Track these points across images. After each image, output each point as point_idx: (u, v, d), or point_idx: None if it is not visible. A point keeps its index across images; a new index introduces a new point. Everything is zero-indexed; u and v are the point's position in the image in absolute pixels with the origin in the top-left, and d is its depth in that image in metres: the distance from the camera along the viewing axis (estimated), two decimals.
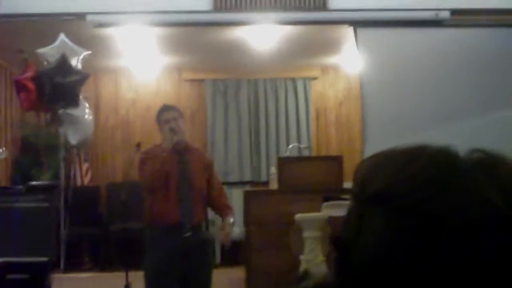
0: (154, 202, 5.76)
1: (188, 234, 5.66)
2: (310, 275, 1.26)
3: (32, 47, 9.24)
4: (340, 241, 1.07)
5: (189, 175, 5.82)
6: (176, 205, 5.69)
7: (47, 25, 8.64)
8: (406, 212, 1.00)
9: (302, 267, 7.66)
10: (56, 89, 8.42)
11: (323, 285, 1.18)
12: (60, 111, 8.70)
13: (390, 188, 1.02)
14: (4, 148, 7.10)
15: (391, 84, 8.39)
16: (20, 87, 8.68)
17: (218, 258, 10.60)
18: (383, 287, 1.01)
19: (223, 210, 6.10)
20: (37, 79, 8.51)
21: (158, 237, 5.71)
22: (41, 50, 8.62)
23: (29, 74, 8.69)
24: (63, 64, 8.47)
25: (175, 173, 5.75)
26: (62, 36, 8.67)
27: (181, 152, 5.83)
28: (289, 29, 9.23)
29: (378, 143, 7.50)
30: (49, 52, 8.64)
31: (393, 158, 1.08)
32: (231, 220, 6.12)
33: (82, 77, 8.70)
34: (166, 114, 5.88)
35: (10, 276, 7.12)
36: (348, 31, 8.78)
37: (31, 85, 8.50)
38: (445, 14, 8.48)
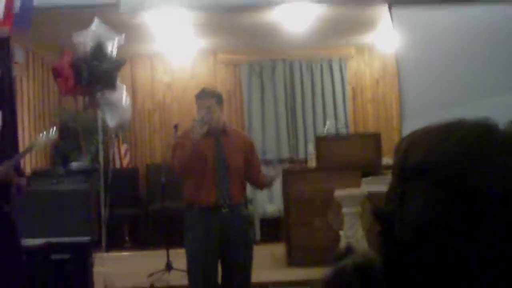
0: (192, 184, 5.80)
1: (226, 213, 5.70)
2: (353, 251, 1.27)
3: (67, 35, 9.32)
4: (383, 215, 1.09)
5: (225, 157, 5.83)
6: (213, 187, 5.73)
7: (82, 13, 8.70)
8: (444, 184, 1.02)
9: (342, 243, 7.70)
10: (93, 74, 8.48)
11: (365, 261, 1.21)
12: (98, 95, 8.76)
13: (429, 161, 1.04)
14: (54, 129, 7.16)
15: (427, 61, 8.35)
16: (57, 73, 8.75)
17: (258, 234, 10.67)
18: (427, 258, 1.03)
19: (260, 184, 6.13)
20: (74, 64, 8.56)
21: (197, 217, 5.75)
22: (76, 36, 8.68)
23: (66, 60, 8.76)
24: (99, 49, 8.52)
25: (211, 157, 5.77)
26: (97, 21, 8.72)
27: (216, 136, 5.85)
28: (323, 8, 9.20)
29: (415, 120, 7.51)
30: (84, 38, 8.70)
31: (431, 133, 1.10)
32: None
33: (119, 61, 8.75)
34: (200, 102, 5.86)
35: (53, 256, 7.22)
36: (383, 9, 8.74)
37: (68, 71, 8.55)
38: None
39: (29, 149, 7.05)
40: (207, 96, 5.90)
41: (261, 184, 6.16)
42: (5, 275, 6.06)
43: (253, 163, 6.01)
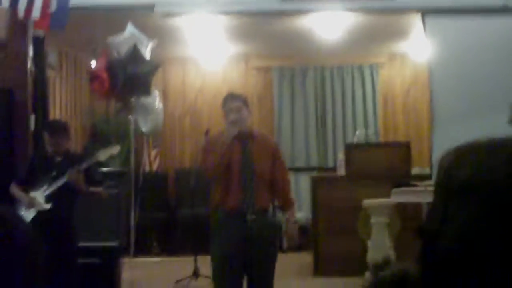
0: (218, 188, 5.78)
1: (251, 218, 5.68)
2: (390, 262, 1.30)
3: (100, 37, 9.38)
4: (426, 230, 1.11)
5: (252, 162, 5.81)
6: (238, 192, 5.71)
7: (115, 15, 8.76)
8: (488, 202, 1.03)
9: (370, 253, 7.68)
10: (129, 79, 8.54)
11: (403, 273, 1.22)
12: (133, 100, 8.81)
13: (475, 179, 1.06)
14: (117, 144, 7.27)
15: (459, 70, 8.31)
16: (93, 76, 8.82)
17: (285, 243, 10.65)
18: (467, 274, 1.04)
19: (285, 203, 6.07)
20: (110, 68, 8.63)
21: (222, 222, 5.74)
22: (111, 40, 8.74)
23: (102, 63, 8.82)
24: (135, 54, 8.58)
25: (237, 161, 5.75)
26: (130, 26, 8.77)
27: (244, 140, 5.84)
28: (355, 16, 9.19)
29: (446, 130, 7.49)
30: (118, 42, 8.76)
31: (476, 150, 1.11)
32: (294, 218, 6.15)
33: (154, 66, 8.80)
34: (229, 104, 5.85)
35: (82, 261, 7.25)
36: (415, 18, 8.72)
37: (104, 75, 8.62)
38: None
39: (92, 160, 7.02)
40: (235, 99, 5.90)
41: (285, 195, 6.09)
42: (59, 281, 6.11)
43: (278, 166, 5.98)
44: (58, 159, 6.62)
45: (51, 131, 6.70)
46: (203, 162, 5.85)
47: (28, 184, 6.56)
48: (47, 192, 6.44)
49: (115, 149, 7.27)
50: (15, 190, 6.58)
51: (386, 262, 1.33)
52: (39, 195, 6.43)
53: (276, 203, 6.07)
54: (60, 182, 6.39)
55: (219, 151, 5.64)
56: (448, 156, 1.14)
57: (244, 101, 5.92)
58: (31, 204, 6.41)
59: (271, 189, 5.94)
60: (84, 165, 6.61)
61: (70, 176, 6.36)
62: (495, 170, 1.05)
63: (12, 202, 6.46)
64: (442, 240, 1.07)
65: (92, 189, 6.59)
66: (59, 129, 6.77)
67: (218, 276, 5.80)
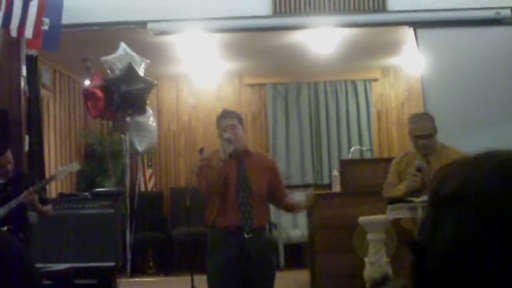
0: (214, 206, 5.77)
1: (248, 236, 5.67)
2: (389, 279, 1.29)
3: (93, 55, 9.39)
4: (416, 244, 1.10)
5: (248, 180, 5.80)
6: (235, 210, 5.69)
7: (108, 33, 8.76)
8: (476, 212, 1.02)
9: (367, 270, 7.65)
10: (124, 97, 8.53)
11: None
12: (128, 119, 8.80)
13: (463, 189, 1.05)
14: (77, 162, 7.25)
15: (453, 83, 8.33)
16: (88, 95, 8.81)
17: (282, 261, 10.63)
18: (457, 286, 1.03)
19: (288, 204, 6.07)
20: (106, 87, 8.62)
21: (218, 240, 5.73)
22: (104, 59, 8.74)
23: (97, 82, 8.82)
24: (130, 72, 8.57)
25: (233, 179, 5.74)
26: (123, 45, 8.77)
27: (239, 158, 5.83)
28: (348, 31, 9.21)
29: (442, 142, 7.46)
30: (112, 61, 8.76)
31: (466, 162, 1.11)
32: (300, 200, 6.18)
33: (149, 85, 8.80)
34: (224, 121, 5.85)
35: (78, 281, 7.23)
36: (408, 32, 8.74)
37: (99, 93, 8.61)
38: (506, 13, 8.38)
39: (50, 179, 7.12)
40: (229, 116, 5.91)
41: (289, 205, 6.08)
42: None
43: (276, 182, 5.97)
44: (1, 181, 6.58)
45: None
46: (198, 178, 5.82)
47: None
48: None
49: (75, 167, 7.29)
50: None
51: (384, 278, 1.33)
52: None
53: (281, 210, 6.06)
54: (13, 204, 6.36)
55: (215, 169, 5.62)
56: (441, 170, 1.15)
57: (239, 118, 5.93)
58: None
59: (267, 207, 5.93)
60: (42, 184, 6.64)
61: (26, 196, 6.35)
62: (482, 181, 1.05)
63: None
64: (431, 254, 1.06)
65: (45, 208, 6.59)
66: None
67: None
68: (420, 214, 6.67)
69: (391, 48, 10.47)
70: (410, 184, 6.05)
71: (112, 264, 7.66)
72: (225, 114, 5.97)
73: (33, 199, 6.40)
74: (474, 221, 1.02)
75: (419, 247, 1.09)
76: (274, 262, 6.01)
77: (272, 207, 6.43)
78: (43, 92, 9.38)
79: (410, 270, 1.11)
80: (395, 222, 7.35)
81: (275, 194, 5.95)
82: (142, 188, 11.37)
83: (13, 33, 7.51)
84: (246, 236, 5.65)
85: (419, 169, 5.95)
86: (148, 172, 11.51)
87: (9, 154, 6.61)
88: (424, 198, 7.36)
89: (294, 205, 6.06)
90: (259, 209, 5.77)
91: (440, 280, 1.04)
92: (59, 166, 7.24)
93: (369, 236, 7.76)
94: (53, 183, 9.90)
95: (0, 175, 6.56)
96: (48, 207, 6.68)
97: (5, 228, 6.27)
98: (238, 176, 5.76)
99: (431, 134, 6.06)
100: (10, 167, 6.59)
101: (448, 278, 1.04)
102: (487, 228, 1.01)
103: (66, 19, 7.91)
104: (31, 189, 6.39)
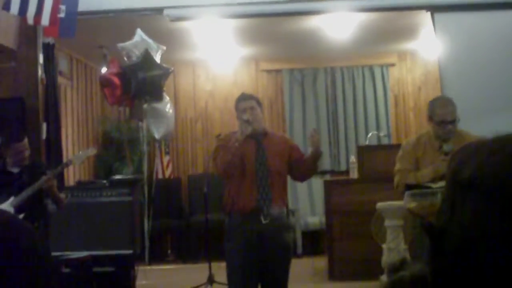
0: (231, 188, 5.74)
1: (266, 221, 5.64)
2: (408, 263, 1.30)
3: (109, 42, 9.40)
4: (433, 228, 1.09)
5: (266, 160, 5.78)
6: (253, 191, 5.66)
7: (124, 20, 8.77)
8: (494, 196, 1.03)
9: (384, 256, 7.64)
10: (141, 84, 8.52)
11: (420, 275, 1.21)
12: (145, 106, 8.80)
13: (480, 173, 1.06)
14: (93, 146, 7.26)
15: (470, 67, 8.28)
16: (105, 82, 8.81)
17: (300, 247, 10.63)
18: (474, 270, 1.02)
19: (308, 158, 5.94)
20: (122, 74, 8.61)
21: (236, 224, 5.70)
22: (121, 45, 8.74)
23: (114, 69, 8.81)
24: (147, 59, 8.56)
25: (251, 159, 5.71)
26: (139, 32, 8.76)
27: (258, 139, 5.81)
28: (364, 16, 9.17)
29: (459, 127, 7.42)
30: (129, 47, 8.76)
31: (484, 146, 1.11)
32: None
33: (165, 71, 8.79)
34: (243, 103, 5.84)
35: (96, 269, 7.25)
36: (425, 16, 8.69)
37: (116, 80, 8.60)
38: None
39: (67, 164, 7.11)
40: (248, 98, 5.90)
41: (310, 158, 5.93)
42: None
43: (298, 155, 5.92)
44: (16, 170, 6.59)
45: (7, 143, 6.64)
46: (215, 160, 5.81)
47: None
48: (15, 203, 6.38)
49: (91, 152, 7.30)
50: None
51: (403, 263, 1.35)
52: (7, 207, 6.33)
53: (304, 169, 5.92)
54: (30, 191, 6.37)
55: (232, 149, 5.59)
56: (455, 155, 1.16)
57: (258, 101, 5.91)
58: None
59: (285, 189, 5.90)
60: (59, 170, 6.64)
61: (45, 181, 6.36)
62: (499, 165, 1.05)
63: None
64: (448, 238, 1.07)
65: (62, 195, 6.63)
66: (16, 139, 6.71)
67: (233, 282, 5.78)
68: (437, 199, 6.67)
69: (408, 32, 10.43)
70: (440, 168, 5.99)
71: (130, 251, 7.67)
72: (244, 97, 5.96)
73: (53, 184, 6.43)
74: (491, 207, 1.02)
75: (435, 230, 1.10)
76: (291, 244, 5.96)
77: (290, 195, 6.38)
78: (60, 80, 9.39)
79: (427, 254, 1.11)
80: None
81: (302, 167, 5.90)
82: (160, 175, 11.39)
83: (30, 21, 7.52)
84: (263, 221, 5.63)
85: (446, 153, 5.91)
86: (166, 159, 11.52)
87: (26, 141, 6.63)
88: (442, 184, 7.36)
89: (312, 153, 5.92)
90: (277, 190, 5.73)
91: (457, 264, 1.04)
92: (77, 152, 7.22)
93: (387, 222, 7.74)
94: (71, 170, 9.95)
95: (18, 162, 6.59)
96: (63, 195, 6.70)
97: (21, 216, 6.30)
98: (256, 156, 5.73)
99: (456, 119, 6.03)
100: (27, 154, 6.61)
101: (464, 262, 1.03)
102: (504, 214, 1.01)
103: (82, 6, 7.92)
104: (49, 173, 6.42)
